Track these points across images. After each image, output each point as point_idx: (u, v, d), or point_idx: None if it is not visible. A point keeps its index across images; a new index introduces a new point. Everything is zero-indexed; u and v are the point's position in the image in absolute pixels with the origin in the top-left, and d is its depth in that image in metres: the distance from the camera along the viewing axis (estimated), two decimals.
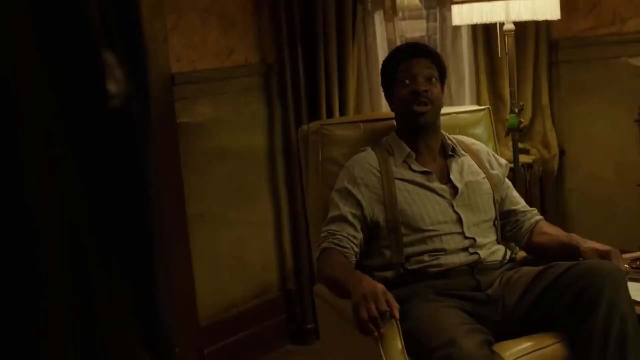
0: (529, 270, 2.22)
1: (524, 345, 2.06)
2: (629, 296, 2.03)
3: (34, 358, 0.52)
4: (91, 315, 0.56)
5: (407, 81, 2.35)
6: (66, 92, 0.55)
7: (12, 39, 0.52)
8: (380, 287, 1.98)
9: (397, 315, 1.94)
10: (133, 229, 0.64)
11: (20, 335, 0.51)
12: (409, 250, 2.25)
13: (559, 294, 2.07)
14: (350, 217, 2.27)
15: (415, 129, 2.37)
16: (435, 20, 3.78)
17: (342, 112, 3.44)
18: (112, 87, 0.61)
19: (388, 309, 1.93)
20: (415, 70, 2.35)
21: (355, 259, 2.26)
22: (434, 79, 2.36)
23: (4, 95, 0.51)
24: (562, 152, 3.74)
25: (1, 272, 0.51)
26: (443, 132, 2.45)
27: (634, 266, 2.41)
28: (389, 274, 2.24)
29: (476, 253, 2.26)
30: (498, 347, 2.02)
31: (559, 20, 3.13)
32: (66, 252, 0.54)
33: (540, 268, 2.19)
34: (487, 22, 3.10)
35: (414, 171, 2.35)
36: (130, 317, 0.63)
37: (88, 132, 0.57)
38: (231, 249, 3.36)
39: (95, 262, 0.57)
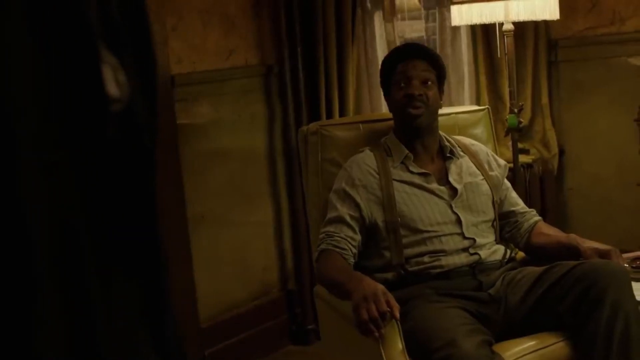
0: (533, 270, 2.22)
1: (525, 344, 2.06)
2: (634, 297, 2.03)
3: (27, 355, 0.51)
4: (87, 317, 0.56)
5: (402, 84, 2.35)
6: (63, 94, 0.54)
7: (7, 40, 0.51)
8: (380, 287, 1.98)
9: (398, 315, 1.95)
10: (140, 234, 0.63)
11: (14, 335, 0.51)
12: (408, 251, 2.25)
13: (562, 293, 2.07)
14: (348, 219, 2.27)
15: (411, 130, 2.38)
16: (434, 21, 3.78)
17: (342, 112, 3.44)
18: (113, 90, 0.59)
19: (388, 309, 1.94)
20: (411, 72, 2.35)
21: (353, 261, 2.26)
22: (429, 82, 2.36)
23: None
24: (561, 152, 3.74)
25: None
26: (441, 133, 2.45)
27: (634, 266, 2.40)
28: (389, 275, 2.24)
29: (476, 254, 2.26)
30: (499, 347, 2.02)
31: (558, 19, 3.13)
32: (60, 254, 0.53)
33: (544, 267, 2.18)
34: (487, 23, 3.11)
35: (412, 173, 2.35)
36: (138, 319, 0.63)
37: (87, 136, 0.56)
38: (232, 250, 3.36)
39: (91, 264, 0.56)
